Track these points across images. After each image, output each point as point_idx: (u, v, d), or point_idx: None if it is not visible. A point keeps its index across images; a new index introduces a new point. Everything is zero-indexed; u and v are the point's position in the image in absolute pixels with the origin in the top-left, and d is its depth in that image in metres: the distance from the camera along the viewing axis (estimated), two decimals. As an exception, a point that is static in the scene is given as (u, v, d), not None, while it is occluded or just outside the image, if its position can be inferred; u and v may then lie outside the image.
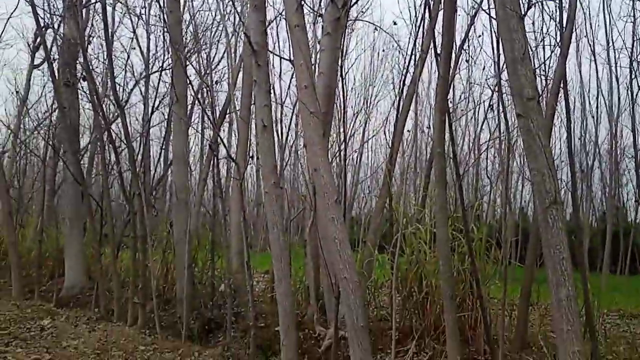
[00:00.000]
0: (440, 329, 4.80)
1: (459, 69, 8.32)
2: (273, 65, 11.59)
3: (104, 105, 9.27)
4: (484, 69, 10.15)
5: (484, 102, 11.01)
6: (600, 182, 15.16)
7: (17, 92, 14.92)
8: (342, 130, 8.38)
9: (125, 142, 7.64)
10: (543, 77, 5.37)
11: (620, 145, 13.89)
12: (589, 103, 14.25)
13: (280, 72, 11.95)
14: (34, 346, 5.37)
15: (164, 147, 12.16)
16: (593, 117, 13.98)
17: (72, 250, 9.19)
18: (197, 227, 10.07)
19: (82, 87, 9.78)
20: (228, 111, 10.10)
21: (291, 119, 9.00)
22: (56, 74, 8.68)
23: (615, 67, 12.93)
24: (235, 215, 7.69)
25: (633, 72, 11.05)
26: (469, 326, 4.87)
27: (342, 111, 4.88)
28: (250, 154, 7.96)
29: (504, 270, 3.73)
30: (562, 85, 4.86)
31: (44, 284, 9.63)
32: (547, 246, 3.01)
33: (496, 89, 4.91)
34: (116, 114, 10.14)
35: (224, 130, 14.54)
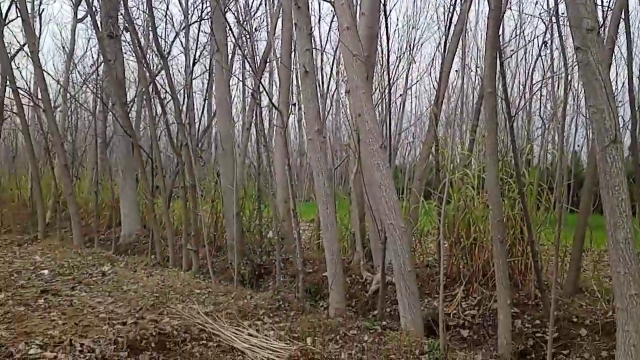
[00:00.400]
0: (489, 274, 4.77)
1: (510, 3, 7.81)
2: (313, 9, 11.26)
3: (147, 57, 9.36)
4: (536, 3, 9.46)
5: (537, 37, 10.37)
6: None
7: (63, 46, 15.30)
8: (385, 73, 8.11)
9: (170, 93, 7.75)
10: (603, 8, 4.94)
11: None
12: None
13: (320, 16, 11.62)
14: (97, 290, 5.73)
15: (206, 98, 12.28)
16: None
17: (126, 201, 9.63)
18: (243, 177, 10.27)
19: (125, 39, 9.90)
20: (268, 59, 9.99)
21: (332, 67, 8.80)
22: (99, 26, 8.77)
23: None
24: (280, 163, 7.77)
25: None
26: (518, 271, 4.81)
27: (386, 53, 4.70)
28: (293, 102, 7.91)
29: (559, 212, 3.60)
30: (623, 15, 4.48)
31: (102, 233, 10.21)
32: (605, 187, 2.88)
33: (552, 19, 4.57)
34: (159, 65, 10.27)
35: (264, 80, 14.48)
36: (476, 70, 11.93)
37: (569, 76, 4.12)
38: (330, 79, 11.15)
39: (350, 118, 6.87)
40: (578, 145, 14.83)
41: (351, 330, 4.16)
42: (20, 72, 13.63)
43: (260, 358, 3.62)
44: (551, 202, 4.97)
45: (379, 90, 9.59)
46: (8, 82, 9.93)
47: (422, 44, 15.44)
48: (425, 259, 6.19)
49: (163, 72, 8.35)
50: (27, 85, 12.94)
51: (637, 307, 2.82)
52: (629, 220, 2.84)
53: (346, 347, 3.87)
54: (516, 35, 10.73)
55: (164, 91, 9.10)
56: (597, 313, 4.12)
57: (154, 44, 9.42)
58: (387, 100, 5.84)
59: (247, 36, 7.75)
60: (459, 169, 5.70)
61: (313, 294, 5.64)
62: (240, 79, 13.24)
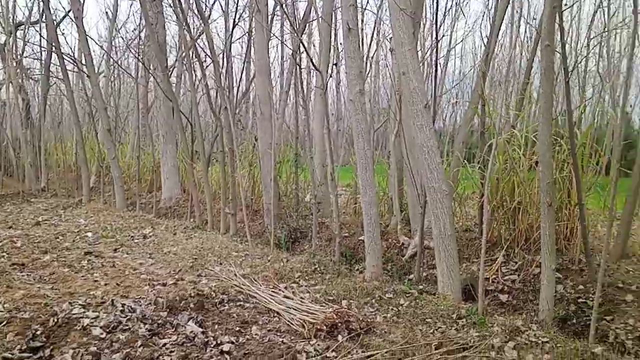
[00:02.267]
0: (532, 238, 4.57)
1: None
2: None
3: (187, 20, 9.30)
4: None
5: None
6: None
7: (106, 12, 15.47)
8: (433, 28, 7.70)
9: (210, 56, 7.69)
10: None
11: None
12: None
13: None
14: (138, 252, 5.90)
15: (245, 61, 12.19)
16: None
17: (167, 165, 9.81)
18: (281, 141, 10.23)
19: (167, 1, 9.85)
20: (309, 19, 9.74)
21: (374, 27, 8.48)
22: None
23: None
24: (319, 126, 7.65)
25: None
26: (563, 236, 4.58)
27: (435, 6, 4.38)
28: (334, 62, 7.70)
29: (615, 175, 3.35)
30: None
31: (143, 197, 10.49)
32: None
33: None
34: (200, 29, 10.20)
35: (305, 42, 14.22)
36: (525, 28, 11.26)
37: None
38: (371, 40, 10.82)
39: (392, 78, 6.62)
40: (630, 106, 13.95)
41: (387, 294, 4.09)
42: (65, 38, 13.93)
43: (296, 319, 3.62)
44: (599, 165, 4.67)
45: (422, 50, 9.20)
46: (54, 48, 10.14)
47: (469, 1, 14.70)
48: (464, 223, 6.01)
49: (203, 35, 8.28)
50: (72, 51, 13.22)
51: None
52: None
53: (382, 310, 3.81)
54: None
55: (204, 55, 9.05)
56: (646, 279, 3.89)
57: (195, 6, 9.32)
58: (434, 58, 5.54)
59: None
60: (506, 129, 5.42)
61: (349, 258, 5.60)
62: (280, 40, 13.04)
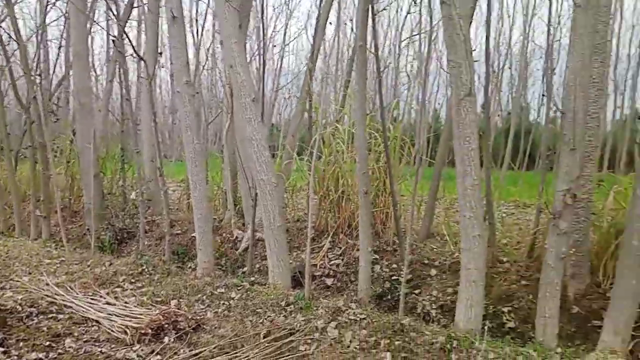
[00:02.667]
0: (354, 225, 4.94)
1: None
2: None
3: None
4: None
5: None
6: (510, 83, 15.90)
7: None
8: (261, 19, 7.75)
9: (15, 39, 6.65)
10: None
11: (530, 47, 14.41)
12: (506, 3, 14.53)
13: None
14: None
15: (61, 46, 10.89)
16: (509, 16, 14.29)
17: (-40, 163, 8.31)
18: (106, 133, 9.41)
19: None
20: (135, 3, 9.06)
21: (205, 18, 8.26)
22: None
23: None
24: (147, 118, 7.20)
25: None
26: (380, 221, 5.04)
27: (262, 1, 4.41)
28: (160, 51, 7.30)
29: (417, 164, 3.79)
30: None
31: None
32: (458, 137, 3.04)
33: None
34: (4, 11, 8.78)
35: (133, 29, 13.24)
36: (352, 27, 12.07)
37: (434, 34, 4.24)
38: (202, 30, 10.51)
39: (225, 70, 6.53)
40: (439, 103, 16.05)
41: (218, 289, 4.05)
42: None
43: (118, 326, 3.36)
44: (412, 156, 5.25)
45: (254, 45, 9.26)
46: None
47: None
48: (296, 214, 6.23)
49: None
50: None
51: (479, 246, 3.07)
52: (476, 169, 3.04)
53: (213, 305, 3.77)
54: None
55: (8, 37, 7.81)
56: (445, 255, 4.49)
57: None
58: (262, 53, 5.60)
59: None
60: (331, 124, 5.75)
61: (181, 256, 5.40)
62: (103, 26, 11.93)
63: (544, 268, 2.96)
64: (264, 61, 4.90)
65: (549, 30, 5.00)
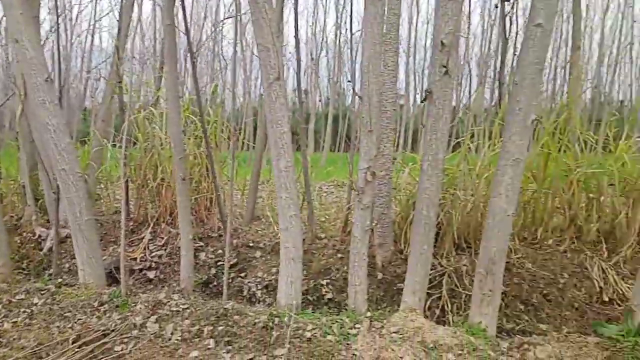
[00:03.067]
0: (175, 213, 4.77)
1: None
2: None
3: None
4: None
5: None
6: (326, 69, 16.95)
7: None
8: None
9: None
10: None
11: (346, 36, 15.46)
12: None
13: None
14: None
15: None
16: (323, 6, 15.11)
17: None
18: None
19: None
20: None
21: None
22: None
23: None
24: None
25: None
26: (204, 207, 4.95)
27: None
28: None
29: (232, 149, 3.79)
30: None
31: None
32: (270, 121, 3.11)
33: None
34: None
35: None
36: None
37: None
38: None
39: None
40: (261, 94, 16.31)
41: (17, 296, 3.55)
42: None
43: None
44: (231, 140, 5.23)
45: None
46: None
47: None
48: (113, 205, 5.77)
49: None
50: None
51: (296, 225, 3.22)
52: (289, 150, 3.15)
53: (11, 315, 3.29)
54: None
55: None
56: (269, 236, 4.62)
57: None
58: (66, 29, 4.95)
59: None
60: (147, 108, 5.41)
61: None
62: None
63: (352, 240, 3.24)
64: (58, 34, 4.34)
65: (351, 21, 5.39)
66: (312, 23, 14.98)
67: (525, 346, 2.72)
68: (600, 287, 3.42)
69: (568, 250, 3.74)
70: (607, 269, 3.43)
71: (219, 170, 4.86)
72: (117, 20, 5.78)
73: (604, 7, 14.85)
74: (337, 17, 13.71)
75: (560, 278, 3.58)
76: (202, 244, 4.55)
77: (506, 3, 3.95)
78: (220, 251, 4.47)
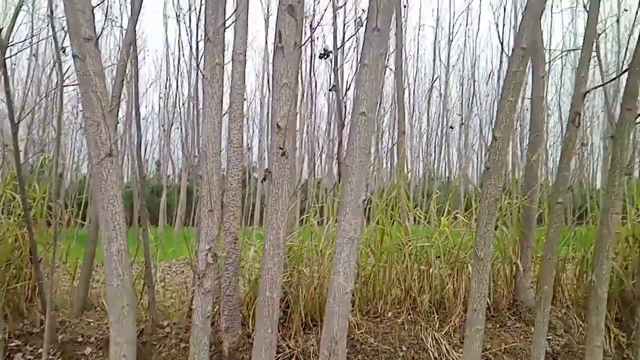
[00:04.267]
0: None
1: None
2: None
3: None
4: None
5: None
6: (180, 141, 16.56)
7: None
8: None
9: None
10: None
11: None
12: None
13: None
14: None
15: None
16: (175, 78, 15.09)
17: None
18: None
19: None
20: None
21: None
22: None
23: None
24: None
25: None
26: (25, 297, 4.28)
27: None
28: None
29: (55, 231, 3.39)
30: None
31: None
32: (102, 200, 2.84)
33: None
34: None
35: None
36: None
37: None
38: None
39: None
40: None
41: None
42: None
43: None
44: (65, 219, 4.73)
45: None
46: None
47: None
48: None
49: None
50: None
51: (129, 317, 2.89)
52: (122, 232, 2.89)
53: None
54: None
55: None
56: (103, 328, 4.11)
57: None
58: None
59: None
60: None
61: None
62: None
63: (193, 329, 3.01)
64: None
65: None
66: (164, 94, 14.77)
67: None
68: (435, 358, 3.62)
69: (405, 322, 3.94)
70: (440, 339, 3.67)
71: (45, 254, 4.29)
72: None
73: (428, 97, 17.27)
74: (189, 88, 13.67)
75: (399, 351, 3.72)
76: (19, 342, 3.87)
77: (335, 91, 4.34)
78: (41, 350, 3.84)
